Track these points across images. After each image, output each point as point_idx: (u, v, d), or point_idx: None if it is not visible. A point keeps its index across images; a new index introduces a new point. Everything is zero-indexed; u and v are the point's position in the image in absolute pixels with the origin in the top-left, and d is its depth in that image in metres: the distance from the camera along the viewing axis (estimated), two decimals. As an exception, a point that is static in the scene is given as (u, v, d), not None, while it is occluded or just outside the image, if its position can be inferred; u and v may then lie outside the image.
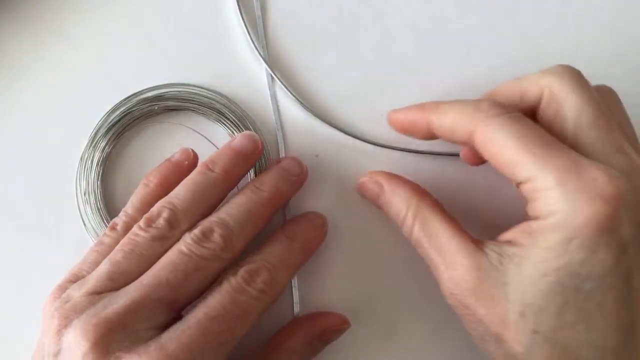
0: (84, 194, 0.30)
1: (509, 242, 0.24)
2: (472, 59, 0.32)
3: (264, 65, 0.31)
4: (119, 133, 0.31)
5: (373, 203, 0.29)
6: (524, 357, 0.23)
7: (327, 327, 0.28)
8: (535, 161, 0.23)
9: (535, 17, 0.32)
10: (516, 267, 0.23)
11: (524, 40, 0.32)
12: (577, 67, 0.29)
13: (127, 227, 0.27)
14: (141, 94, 0.31)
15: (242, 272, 0.25)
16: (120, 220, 0.28)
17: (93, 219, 0.30)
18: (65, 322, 0.23)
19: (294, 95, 0.31)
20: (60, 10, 0.32)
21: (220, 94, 0.31)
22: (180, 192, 0.27)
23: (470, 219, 0.28)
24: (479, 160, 0.28)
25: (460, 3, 0.33)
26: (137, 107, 0.31)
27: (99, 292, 0.24)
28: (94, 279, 0.25)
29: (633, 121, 0.27)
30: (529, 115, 0.25)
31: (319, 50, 0.32)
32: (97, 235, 0.30)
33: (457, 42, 0.32)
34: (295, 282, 0.30)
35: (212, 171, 0.27)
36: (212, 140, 0.31)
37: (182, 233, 0.26)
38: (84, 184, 0.30)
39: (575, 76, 0.25)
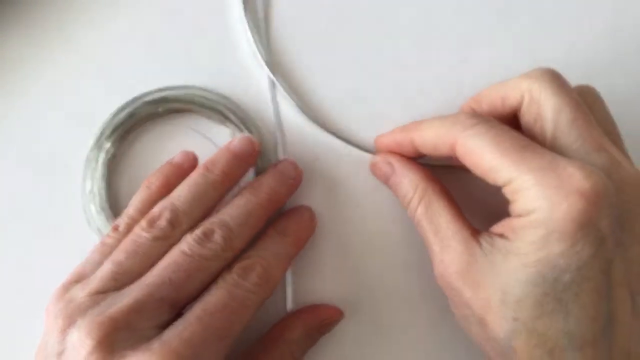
0: (89, 194, 0.31)
1: (500, 235, 0.25)
2: (472, 62, 0.32)
3: (266, 69, 0.32)
4: (124, 134, 0.31)
5: (383, 182, 0.30)
6: (504, 342, 0.24)
7: (324, 318, 0.29)
8: (513, 164, 0.23)
9: (534, 18, 0.32)
10: (502, 258, 0.24)
11: (523, 42, 0.32)
12: (578, 67, 0.29)
13: (130, 229, 0.27)
14: (146, 96, 0.31)
15: (236, 268, 0.26)
16: (122, 221, 0.28)
17: (98, 219, 0.30)
18: (69, 321, 0.24)
19: (294, 101, 0.31)
20: (65, 12, 0.32)
21: (223, 96, 0.32)
22: (181, 193, 0.27)
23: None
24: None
25: (459, 6, 0.33)
26: (142, 109, 0.31)
27: (103, 292, 0.25)
28: (97, 279, 0.25)
29: (633, 121, 0.27)
30: (512, 119, 0.27)
31: (320, 55, 0.32)
32: (102, 234, 0.30)
33: (456, 43, 0.32)
34: (289, 279, 0.30)
35: (212, 173, 0.28)
36: (214, 141, 0.32)
37: (183, 233, 0.26)
38: (89, 184, 0.31)
39: (554, 78, 0.25)
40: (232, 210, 0.27)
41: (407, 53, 0.32)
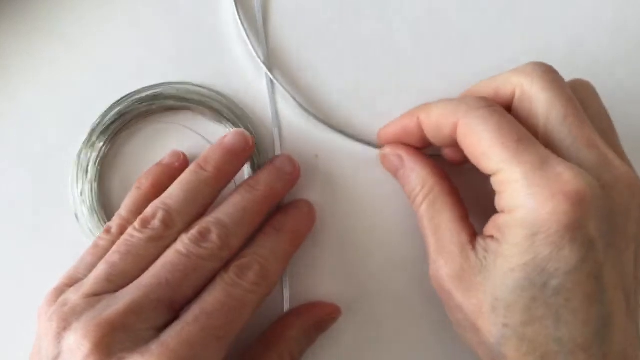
0: (80, 194, 0.30)
1: (491, 237, 0.25)
2: (473, 60, 0.32)
3: (263, 65, 0.31)
4: (116, 132, 0.31)
5: (392, 174, 0.30)
6: (496, 348, 0.24)
7: (323, 316, 0.29)
8: (506, 154, 0.23)
9: (535, 17, 0.32)
10: (493, 262, 0.24)
11: (524, 41, 0.32)
12: (578, 67, 0.29)
13: (122, 230, 0.27)
14: (139, 93, 0.31)
15: (233, 267, 0.26)
16: (114, 223, 0.28)
17: (89, 219, 0.30)
18: (65, 324, 0.23)
19: (291, 96, 0.31)
20: (57, 9, 0.32)
21: (218, 93, 0.31)
22: (174, 192, 0.27)
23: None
24: (460, 159, 0.28)
25: (460, 4, 0.33)
26: (135, 107, 0.31)
27: (97, 294, 0.24)
28: (91, 281, 0.25)
29: (633, 120, 0.27)
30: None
31: (318, 51, 0.32)
32: (94, 236, 0.30)
33: (457, 43, 0.32)
34: (286, 278, 0.30)
35: (205, 170, 0.28)
36: (209, 140, 0.31)
37: (178, 233, 0.26)
38: (80, 184, 0.30)
39: (547, 73, 0.25)
40: (228, 208, 0.27)
41: (407, 49, 0.32)
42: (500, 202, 0.24)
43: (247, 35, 0.31)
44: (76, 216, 0.30)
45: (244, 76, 0.32)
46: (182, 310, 0.25)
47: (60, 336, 0.23)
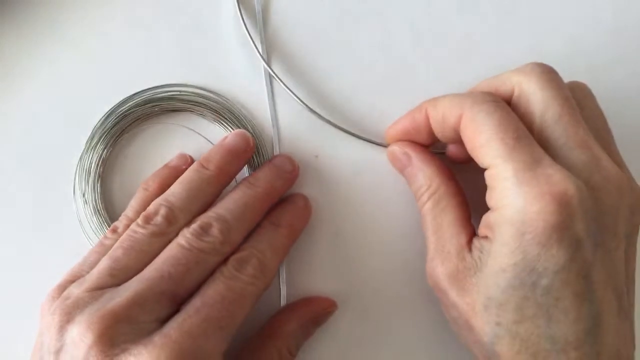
0: (83, 196, 0.30)
1: (485, 238, 0.25)
2: (472, 60, 0.32)
3: (263, 65, 0.31)
4: (118, 134, 0.31)
5: (399, 171, 0.30)
6: (489, 347, 0.24)
7: (319, 311, 0.30)
8: (502, 149, 0.24)
9: (535, 17, 0.33)
10: (486, 262, 0.24)
11: (524, 41, 0.32)
12: (577, 67, 0.29)
13: None
14: (140, 95, 0.31)
15: (232, 261, 0.26)
16: (121, 223, 0.28)
17: (92, 220, 0.30)
18: (68, 317, 0.24)
19: (293, 94, 0.31)
20: (59, 10, 0.32)
21: (219, 94, 0.32)
22: (176, 190, 0.28)
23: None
24: (463, 158, 0.29)
25: (460, 4, 0.33)
26: (136, 108, 0.31)
27: (100, 288, 0.25)
28: (94, 276, 0.25)
29: (633, 121, 0.27)
30: None
31: (318, 50, 0.32)
32: (96, 237, 0.30)
33: (456, 42, 0.32)
34: (283, 277, 0.30)
35: (206, 169, 0.28)
36: (211, 140, 0.31)
37: (180, 229, 0.26)
38: (82, 185, 0.30)
39: (545, 73, 0.25)
40: (229, 204, 0.27)
41: (407, 49, 0.32)
42: (491, 198, 0.24)
43: (250, 36, 0.31)
44: (78, 217, 0.31)
45: (244, 77, 0.32)
46: (184, 303, 0.25)
47: (63, 329, 0.23)
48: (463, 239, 0.26)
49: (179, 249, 0.25)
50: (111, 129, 0.31)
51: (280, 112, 0.32)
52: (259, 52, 0.31)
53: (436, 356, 0.31)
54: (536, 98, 0.25)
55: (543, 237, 0.22)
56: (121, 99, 0.31)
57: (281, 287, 0.30)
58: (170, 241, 0.26)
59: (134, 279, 0.25)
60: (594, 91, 0.28)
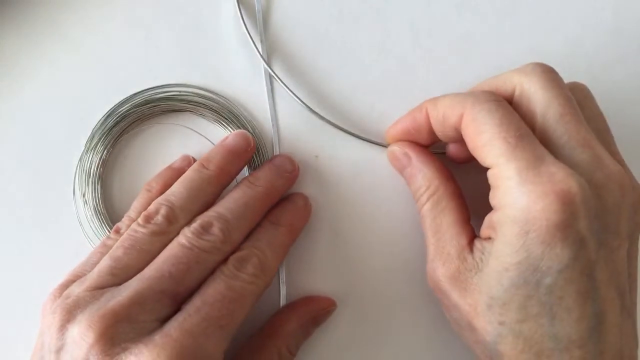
0: (83, 196, 0.30)
1: (487, 239, 0.25)
2: (472, 60, 0.32)
3: (263, 65, 0.31)
4: (118, 134, 0.31)
5: (398, 172, 0.30)
6: (492, 346, 0.24)
7: (318, 310, 0.30)
8: (505, 148, 0.23)
9: (535, 17, 0.32)
10: (487, 262, 0.24)
11: (524, 41, 0.32)
12: (578, 67, 0.29)
13: None
14: (140, 95, 0.31)
15: (232, 260, 0.26)
16: (123, 224, 0.28)
17: (92, 220, 0.30)
18: (69, 316, 0.24)
19: (293, 94, 0.31)
20: (59, 10, 0.32)
21: (219, 94, 0.32)
22: (177, 190, 0.28)
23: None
24: (463, 158, 0.29)
25: (460, 4, 0.33)
26: (136, 109, 0.31)
27: (101, 287, 0.25)
28: (95, 275, 0.25)
29: (633, 121, 0.27)
30: None
31: (318, 50, 0.32)
32: (96, 236, 0.30)
33: (456, 42, 0.32)
34: (283, 277, 0.30)
35: (207, 169, 0.28)
36: (211, 141, 0.31)
37: (180, 228, 0.26)
38: (82, 185, 0.30)
39: (546, 73, 0.25)
40: (229, 203, 0.27)
41: (407, 49, 0.32)
42: (494, 197, 0.24)
43: (249, 35, 0.31)
44: (78, 218, 0.31)
45: (244, 77, 0.32)
46: (184, 302, 0.25)
47: (64, 328, 0.23)
48: (463, 240, 0.26)
49: (180, 248, 0.25)
50: (111, 129, 0.31)
51: (280, 112, 0.32)
52: (259, 52, 0.31)
53: (436, 356, 0.31)
54: (537, 98, 0.25)
55: (547, 236, 0.22)
56: (121, 99, 0.31)
57: (281, 287, 0.30)
58: (170, 240, 0.26)
59: (135, 278, 0.25)
60: (594, 91, 0.28)
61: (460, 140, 0.26)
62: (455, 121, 0.26)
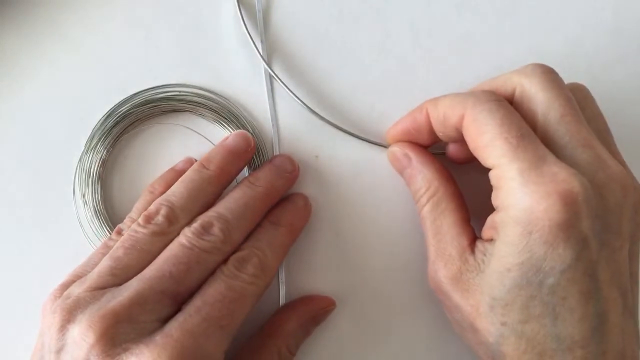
0: (83, 196, 0.30)
1: (489, 240, 0.25)
2: (472, 60, 0.32)
3: (264, 65, 0.31)
4: (119, 134, 0.31)
5: (398, 172, 0.30)
6: (495, 347, 0.24)
7: (318, 309, 0.30)
8: (507, 149, 0.23)
9: (535, 17, 0.32)
10: (488, 263, 0.24)
11: (524, 41, 0.32)
12: (578, 67, 0.29)
13: None
14: (140, 95, 0.31)
15: (232, 260, 0.26)
16: (125, 225, 0.28)
17: (92, 221, 0.30)
18: (69, 317, 0.24)
19: (293, 94, 0.31)
20: (59, 10, 0.32)
21: (219, 94, 0.32)
22: (177, 190, 0.28)
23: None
24: (464, 158, 0.29)
25: (460, 4, 0.33)
26: (136, 109, 0.31)
27: (101, 288, 0.25)
28: (95, 275, 0.25)
29: (633, 120, 0.27)
30: None
31: (318, 51, 0.32)
32: (96, 237, 0.30)
33: (456, 42, 0.32)
34: (282, 277, 0.30)
35: (207, 169, 0.28)
36: (211, 141, 0.31)
37: (181, 229, 0.26)
38: (82, 185, 0.30)
39: (546, 73, 0.25)
40: (230, 204, 0.27)
41: (407, 49, 0.32)
42: (496, 198, 0.24)
43: (250, 35, 0.31)
44: (78, 218, 0.31)
45: (244, 77, 0.32)
46: (184, 302, 0.25)
47: (64, 328, 0.23)
48: (464, 241, 0.26)
49: (180, 248, 0.25)
50: (111, 129, 0.31)
51: (280, 112, 0.32)
52: (259, 52, 0.31)
53: (436, 356, 0.31)
54: (538, 98, 0.25)
55: (550, 236, 0.22)
56: (121, 99, 0.31)
57: (280, 287, 0.30)
58: (171, 241, 0.26)
59: (135, 278, 0.25)
60: (594, 91, 0.28)
61: (461, 140, 0.26)
62: (456, 121, 0.26)
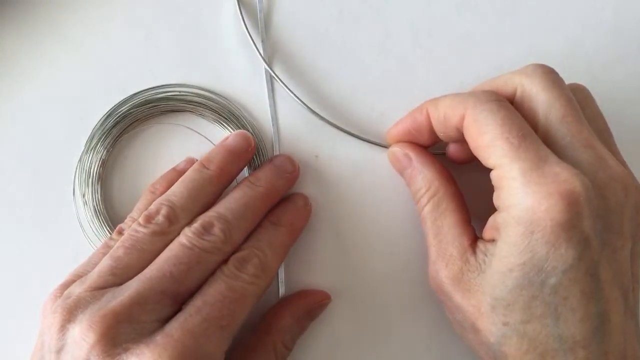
0: (83, 196, 0.30)
1: (491, 241, 0.25)
2: (472, 60, 0.32)
3: (264, 65, 0.31)
4: (119, 134, 0.31)
5: (398, 172, 0.30)
6: (496, 347, 0.24)
7: (313, 304, 0.30)
8: (508, 149, 0.23)
9: (535, 17, 0.32)
10: (490, 263, 0.24)
11: (524, 41, 0.32)
12: (578, 67, 0.29)
13: None
14: (140, 95, 0.31)
15: (232, 260, 0.26)
16: (126, 225, 0.28)
17: (92, 221, 0.30)
18: (69, 316, 0.24)
19: (293, 95, 0.31)
20: (59, 10, 0.32)
21: (219, 95, 0.32)
22: (178, 190, 0.27)
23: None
24: (464, 158, 0.29)
25: (460, 4, 0.33)
26: (136, 109, 0.31)
27: (102, 287, 0.25)
28: (95, 275, 0.25)
29: (633, 120, 0.27)
30: None
31: (318, 51, 0.32)
32: (97, 237, 0.30)
33: (456, 42, 0.32)
34: (281, 276, 0.30)
35: (208, 169, 0.28)
36: (212, 141, 0.31)
37: (181, 229, 0.26)
38: (82, 185, 0.30)
39: (547, 74, 0.25)
40: (230, 204, 0.27)
41: (407, 49, 0.32)
42: (498, 198, 0.24)
43: (250, 35, 0.31)
44: (79, 218, 0.30)
45: (244, 77, 0.32)
46: (185, 302, 0.25)
47: (64, 328, 0.23)
48: (465, 241, 0.26)
49: (181, 248, 0.25)
50: (111, 129, 0.31)
51: (281, 112, 0.32)
52: (259, 52, 0.31)
53: (436, 356, 0.31)
54: (539, 99, 0.25)
55: (552, 236, 0.22)
56: (121, 99, 0.31)
57: (279, 286, 0.30)
58: (171, 240, 0.26)
59: (136, 278, 0.25)
60: (594, 91, 0.28)
61: (461, 140, 0.26)
62: (457, 121, 0.26)
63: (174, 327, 0.23)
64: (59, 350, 0.23)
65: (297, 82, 0.32)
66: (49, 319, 0.24)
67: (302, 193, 0.31)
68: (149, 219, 0.26)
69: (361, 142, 0.31)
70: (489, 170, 0.25)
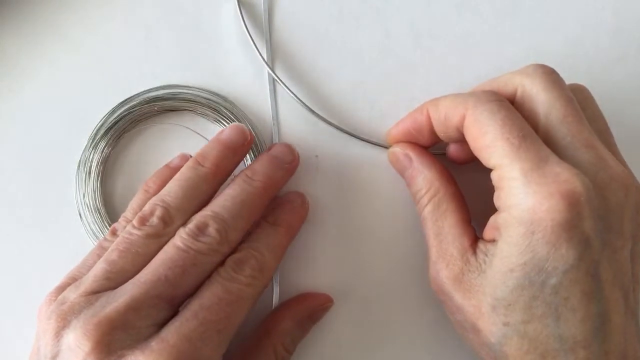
0: (84, 196, 0.30)
1: (491, 241, 0.25)
2: (472, 59, 0.32)
3: (265, 65, 0.31)
4: (119, 134, 0.31)
5: (399, 173, 0.30)
6: (497, 347, 0.24)
7: (315, 307, 0.30)
8: (509, 149, 0.23)
9: (535, 17, 0.32)
10: (490, 263, 0.24)
11: (524, 41, 0.32)
12: (578, 67, 0.29)
13: None
14: (141, 95, 0.31)
15: (229, 262, 0.26)
16: (120, 225, 0.28)
17: (92, 220, 0.30)
18: (64, 323, 0.23)
19: (294, 95, 0.31)
20: (59, 10, 0.32)
21: (219, 95, 0.32)
22: (172, 189, 0.27)
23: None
24: (464, 158, 0.29)
25: (460, 4, 0.33)
26: (137, 108, 0.31)
27: (96, 292, 0.24)
28: (90, 279, 0.25)
29: (633, 120, 0.27)
30: None
31: (319, 51, 0.32)
32: (97, 237, 0.30)
33: (457, 42, 0.32)
34: (277, 277, 0.30)
35: (203, 166, 0.27)
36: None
37: (176, 229, 0.26)
38: (83, 185, 0.30)
39: (548, 74, 0.25)
40: (226, 202, 0.27)
41: (407, 49, 0.32)
42: (498, 198, 0.24)
43: (250, 35, 0.31)
44: (80, 217, 0.30)
45: (244, 77, 0.32)
46: (181, 305, 0.25)
47: (59, 335, 0.23)
48: (466, 242, 0.26)
49: (175, 251, 0.25)
50: (111, 129, 0.31)
51: (281, 112, 0.32)
52: (259, 52, 0.31)
53: (436, 356, 0.31)
54: (540, 99, 0.25)
55: (552, 236, 0.22)
56: (121, 99, 0.31)
57: (274, 287, 0.30)
58: (166, 242, 0.26)
59: (130, 282, 0.24)
60: (594, 91, 0.28)
61: (462, 140, 0.26)
62: (457, 122, 0.26)
63: (170, 331, 0.23)
64: (54, 357, 0.23)
65: (297, 82, 0.32)
66: (43, 324, 0.24)
67: (298, 191, 0.31)
68: (143, 220, 0.26)
69: (361, 142, 0.31)
70: (489, 170, 0.25)
